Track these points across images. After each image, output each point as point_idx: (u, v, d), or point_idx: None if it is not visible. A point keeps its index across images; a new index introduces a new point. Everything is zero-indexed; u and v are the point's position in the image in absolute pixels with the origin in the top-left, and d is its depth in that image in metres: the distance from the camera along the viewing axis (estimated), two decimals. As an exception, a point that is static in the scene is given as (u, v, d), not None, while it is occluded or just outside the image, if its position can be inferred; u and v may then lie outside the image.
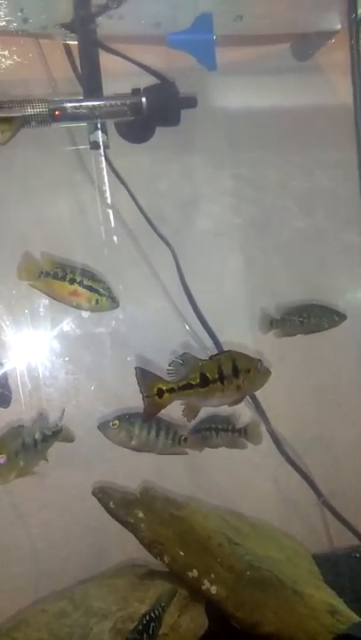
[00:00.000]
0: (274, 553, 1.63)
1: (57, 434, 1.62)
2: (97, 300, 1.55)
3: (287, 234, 1.96)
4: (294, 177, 1.95)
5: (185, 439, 1.65)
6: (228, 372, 1.51)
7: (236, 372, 1.52)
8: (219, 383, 1.50)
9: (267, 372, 1.59)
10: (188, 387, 1.49)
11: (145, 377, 1.49)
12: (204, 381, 1.49)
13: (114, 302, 1.59)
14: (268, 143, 1.91)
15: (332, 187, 1.96)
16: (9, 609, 1.62)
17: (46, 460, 1.58)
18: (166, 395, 1.47)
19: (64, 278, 1.54)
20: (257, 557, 1.53)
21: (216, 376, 1.50)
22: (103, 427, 1.61)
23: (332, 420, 2.02)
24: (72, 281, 1.54)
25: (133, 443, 1.61)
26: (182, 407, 1.51)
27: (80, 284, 1.54)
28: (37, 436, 1.56)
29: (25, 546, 1.77)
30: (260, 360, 1.57)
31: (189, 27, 1.61)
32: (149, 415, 1.51)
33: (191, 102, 1.66)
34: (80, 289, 1.54)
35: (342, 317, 1.82)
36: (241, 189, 1.92)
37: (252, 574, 1.48)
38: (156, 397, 1.47)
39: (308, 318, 1.79)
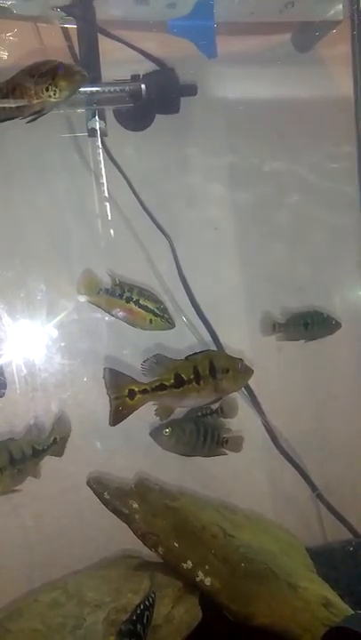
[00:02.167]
0: (268, 545, 1.63)
1: (48, 448, 1.58)
2: (151, 320, 1.58)
3: (285, 224, 1.95)
4: (294, 169, 1.94)
5: (226, 441, 1.65)
6: (205, 372, 1.50)
7: (213, 371, 1.50)
8: (194, 383, 1.49)
9: (248, 372, 1.57)
10: (162, 387, 1.47)
11: (115, 378, 1.47)
12: (179, 382, 1.48)
13: (168, 323, 1.61)
14: (267, 134, 1.89)
15: (332, 178, 1.95)
16: (1, 600, 1.61)
17: (36, 477, 1.55)
18: (139, 396, 1.46)
19: (121, 296, 1.58)
20: (251, 549, 1.53)
21: (191, 376, 1.49)
22: (156, 434, 1.61)
23: (327, 413, 2.02)
24: (128, 299, 1.58)
25: (183, 448, 1.62)
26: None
27: (136, 302, 1.58)
28: (27, 450, 1.51)
29: (18, 537, 1.76)
30: (240, 359, 1.56)
31: (190, 13, 1.60)
32: (119, 418, 1.47)
33: (191, 90, 1.64)
34: (135, 308, 1.57)
35: (338, 325, 1.84)
36: (239, 180, 1.91)
37: (247, 566, 1.47)
38: (127, 399, 1.45)
39: (312, 325, 1.80)
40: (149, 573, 1.48)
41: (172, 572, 1.49)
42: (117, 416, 1.47)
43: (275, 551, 1.62)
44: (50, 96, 1.27)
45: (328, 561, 1.78)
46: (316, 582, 1.57)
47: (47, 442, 1.59)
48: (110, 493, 1.54)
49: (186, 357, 1.53)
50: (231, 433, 1.69)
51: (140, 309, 1.58)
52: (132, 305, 1.58)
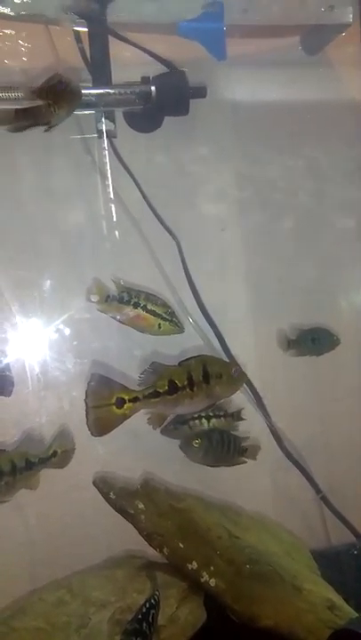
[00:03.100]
0: (273, 547, 1.63)
1: (45, 461, 1.54)
2: (160, 325, 1.59)
3: (293, 227, 1.95)
4: (303, 171, 1.94)
5: (246, 449, 1.66)
6: (199, 378, 1.48)
7: (207, 377, 1.49)
8: (188, 390, 1.47)
9: (241, 377, 1.56)
10: (155, 395, 1.45)
11: (101, 384, 1.42)
12: (173, 389, 1.46)
13: (177, 327, 1.61)
14: (275, 136, 1.90)
15: (341, 182, 1.95)
16: (5, 598, 1.61)
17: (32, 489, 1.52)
18: (129, 404, 1.42)
19: (128, 302, 1.58)
20: (256, 551, 1.53)
21: (185, 382, 1.47)
22: (185, 447, 1.61)
23: (331, 416, 2.02)
24: (136, 305, 1.58)
25: (211, 459, 1.62)
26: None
27: (143, 308, 1.58)
28: (19, 462, 1.47)
29: (21, 536, 1.76)
30: (234, 364, 1.55)
31: (200, 15, 1.61)
32: (104, 429, 1.42)
33: (201, 92, 1.65)
34: (143, 313, 1.58)
35: (338, 342, 1.87)
36: (246, 182, 1.91)
37: (252, 567, 1.47)
38: (114, 407, 1.41)
39: (319, 341, 1.83)
40: (150, 573, 1.48)
41: (176, 573, 1.49)
42: (101, 426, 1.41)
43: (279, 553, 1.62)
44: (52, 112, 1.34)
45: (332, 563, 1.78)
46: (320, 584, 1.57)
47: (45, 454, 1.55)
48: (116, 493, 1.54)
49: (179, 363, 1.52)
50: (249, 441, 1.70)
51: (147, 314, 1.58)
52: (139, 310, 1.58)
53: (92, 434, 1.45)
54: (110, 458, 1.75)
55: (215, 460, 1.63)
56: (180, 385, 1.46)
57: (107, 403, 1.42)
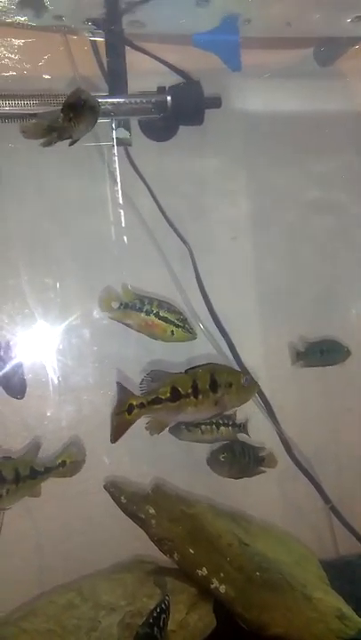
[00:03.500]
0: (283, 556, 1.62)
1: (52, 470, 1.54)
2: (172, 332, 1.59)
3: (304, 237, 1.96)
4: (315, 181, 1.95)
5: (263, 459, 1.67)
6: (205, 387, 1.47)
7: (215, 385, 1.48)
8: (192, 397, 1.46)
9: (252, 387, 1.54)
10: (157, 401, 1.44)
11: (122, 393, 1.44)
12: (176, 395, 1.45)
13: (190, 333, 1.61)
14: (287, 147, 1.91)
15: (354, 193, 1.97)
16: (12, 600, 1.61)
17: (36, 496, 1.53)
18: (136, 410, 1.43)
19: (141, 310, 1.59)
20: (267, 559, 1.52)
21: (189, 390, 1.46)
22: (212, 461, 1.63)
23: (341, 425, 2.02)
24: (148, 312, 1.59)
25: (235, 471, 1.63)
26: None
27: (156, 315, 1.59)
28: (23, 471, 1.48)
29: (30, 539, 1.76)
30: (245, 374, 1.54)
31: (216, 27, 1.63)
32: (119, 434, 1.45)
33: (216, 102, 1.67)
34: (156, 320, 1.58)
35: (348, 353, 1.88)
36: (258, 191, 1.93)
37: (262, 575, 1.47)
38: (126, 414, 1.43)
39: (328, 353, 1.84)
40: (160, 578, 1.48)
41: (186, 579, 1.49)
42: (117, 431, 1.44)
43: (289, 562, 1.62)
44: (73, 126, 1.38)
45: (341, 574, 1.77)
46: (330, 594, 1.56)
47: (53, 463, 1.56)
48: (127, 497, 1.54)
49: (185, 370, 1.52)
50: (265, 451, 1.72)
51: (160, 321, 1.59)
52: (152, 317, 1.59)
53: (111, 440, 1.47)
54: (118, 464, 1.76)
55: (239, 473, 1.65)
56: (183, 392, 1.46)
57: (122, 409, 1.44)
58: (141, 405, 1.44)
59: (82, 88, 1.41)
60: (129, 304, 1.60)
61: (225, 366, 1.56)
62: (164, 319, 1.59)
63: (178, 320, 1.60)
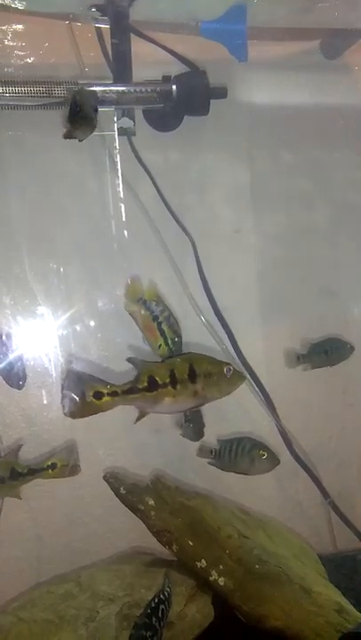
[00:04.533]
0: (282, 549, 1.62)
1: (37, 472, 1.55)
2: (160, 346, 1.58)
3: (308, 230, 1.95)
4: (319, 175, 1.94)
5: (265, 456, 1.66)
6: (183, 377, 1.44)
7: (193, 375, 1.45)
8: (170, 387, 1.43)
9: (236, 378, 1.50)
10: (133, 390, 1.41)
11: (80, 379, 1.42)
12: (153, 385, 1.43)
13: (169, 353, 1.59)
14: (292, 139, 1.90)
15: (359, 186, 1.96)
16: (10, 591, 1.61)
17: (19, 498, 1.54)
18: (107, 398, 1.40)
19: (151, 312, 1.59)
20: (266, 552, 1.52)
21: (167, 380, 1.43)
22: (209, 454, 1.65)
23: (342, 421, 2.01)
24: (155, 319, 1.58)
25: (240, 467, 1.63)
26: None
27: (158, 324, 1.58)
28: (3, 472, 1.49)
29: (29, 530, 1.76)
30: (228, 364, 1.50)
31: (222, 16, 1.62)
32: (80, 415, 1.41)
33: (221, 92, 1.66)
34: (155, 329, 1.58)
35: (352, 349, 1.87)
36: (263, 184, 1.92)
37: (261, 568, 1.46)
38: (94, 400, 1.40)
39: (332, 352, 1.83)
40: (165, 570, 1.47)
41: (185, 571, 1.49)
42: (81, 414, 1.41)
43: (288, 555, 1.61)
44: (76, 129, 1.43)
45: (339, 569, 1.77)
46: (329, 588, 1.56)
47: (40, 465, 1.56)
48: (127, 489, 1.54)
49: (163, 360, 1.49)
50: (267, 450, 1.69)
51: (157, 332, 1.59)
52: (155, 324, 1.59)
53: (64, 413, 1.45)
54: (118, 456, 1.76)
55: (236, 467, 1.65)
56: (160, 382, 1.43)
57: (89, 395, 1.41)
58: (114, 394, 1.41)
59: (82, 90, 1.47)
60: (146, 302, 1.60)
61: (206, 356, 1.51)
62: (162, 332, 1.58)
63: (171, 340, 1.59)
